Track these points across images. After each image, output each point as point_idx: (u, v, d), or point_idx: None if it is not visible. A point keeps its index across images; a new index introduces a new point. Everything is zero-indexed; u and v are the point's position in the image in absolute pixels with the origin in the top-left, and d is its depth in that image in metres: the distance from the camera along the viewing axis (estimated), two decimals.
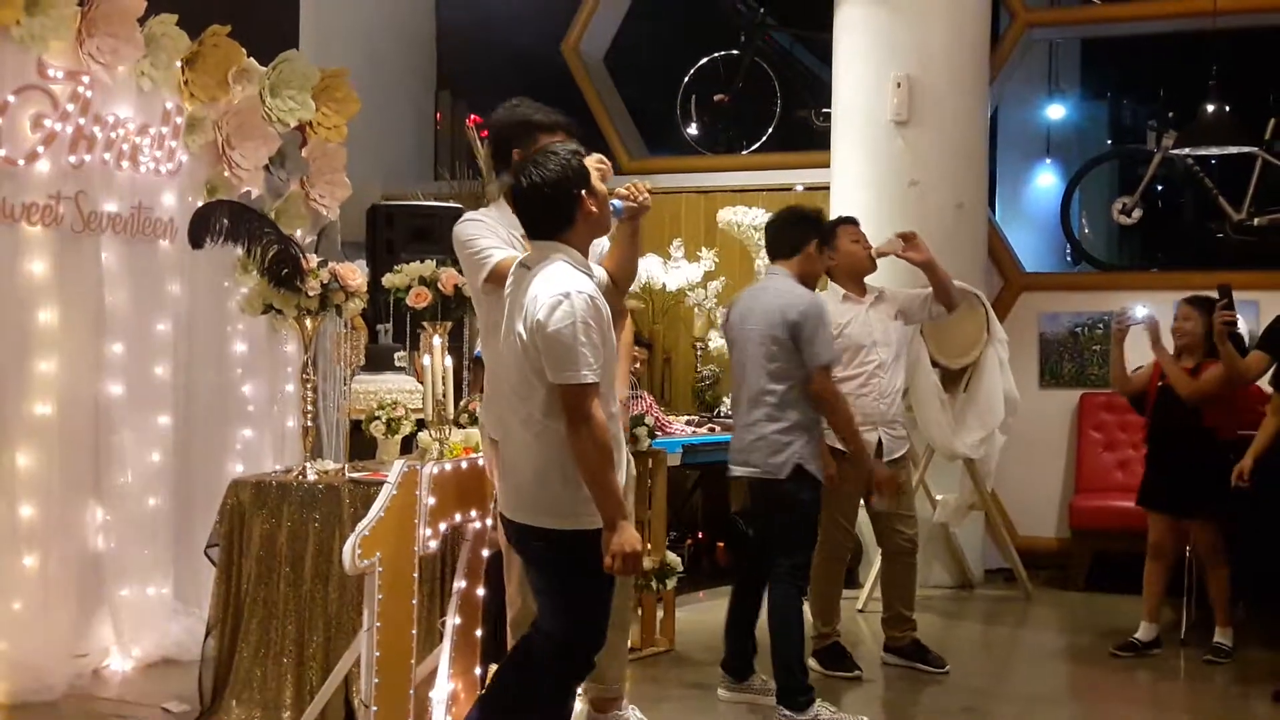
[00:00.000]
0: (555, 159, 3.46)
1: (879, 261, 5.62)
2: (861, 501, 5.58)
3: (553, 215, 3.48)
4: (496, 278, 3.79)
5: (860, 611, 6.71)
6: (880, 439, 5.41)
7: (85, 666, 5.15)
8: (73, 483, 5.18)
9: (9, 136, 4.90)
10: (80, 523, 5.24)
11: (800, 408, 4.84)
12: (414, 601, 3.72)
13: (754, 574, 5.13)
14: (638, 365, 5.91)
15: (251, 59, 5.88)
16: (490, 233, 3.98)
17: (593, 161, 3.56)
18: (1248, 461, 5.57)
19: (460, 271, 4.27)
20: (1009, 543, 7.42)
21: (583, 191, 3.47)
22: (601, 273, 3.66)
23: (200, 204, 5.27)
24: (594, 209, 3.50)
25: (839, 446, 5.19)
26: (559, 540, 3.43)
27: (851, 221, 5.67)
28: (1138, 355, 6.14)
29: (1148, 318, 5.94)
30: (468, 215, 4.13)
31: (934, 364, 6.86)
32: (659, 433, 6.14)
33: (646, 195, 3.69)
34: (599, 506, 3.36)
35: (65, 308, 5.14)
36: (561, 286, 3.35)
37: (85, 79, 5.13)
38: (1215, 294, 5.70)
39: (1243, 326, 6.37)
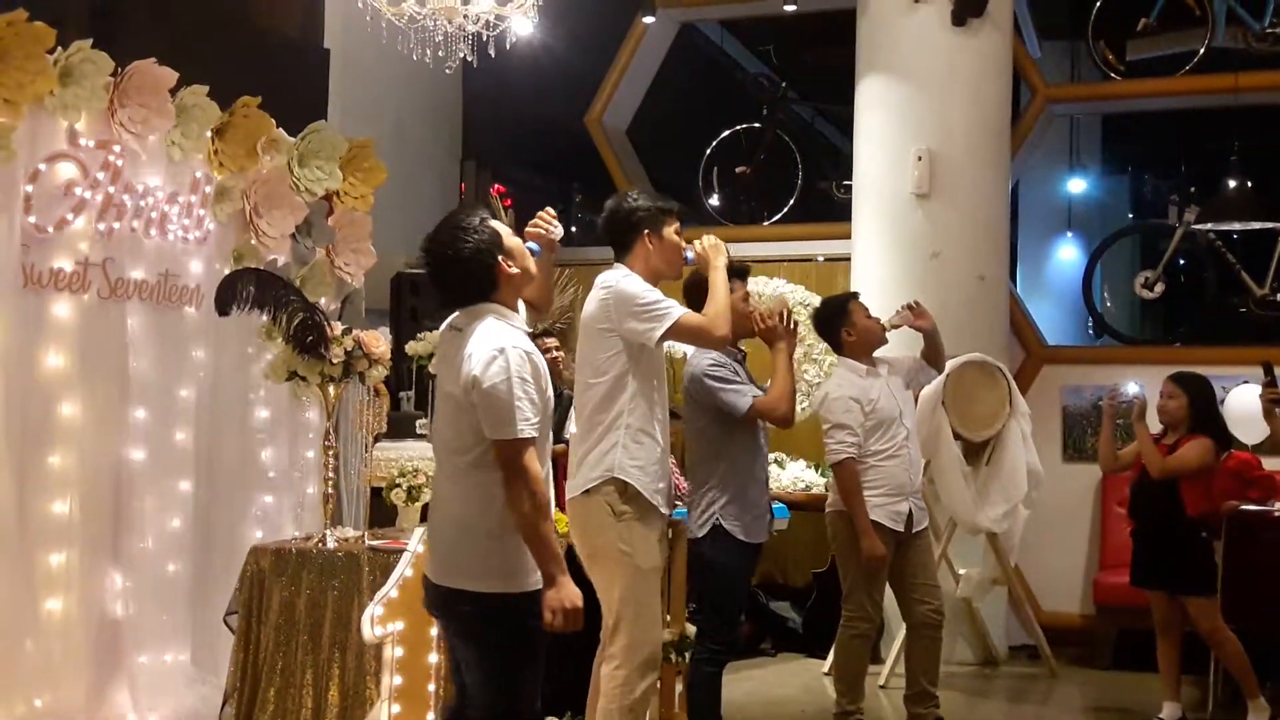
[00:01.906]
0: (466, 232, 3.46)
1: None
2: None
3: (474, 285, 3.50)
4: (677, 331, 4.09)
5: (882, 688, 6.63)
6: (910, 509, 5.39)
7: None
8: (93, 547, 5.17)
9: (40, 203, 4.96)
10: (99, 587, 5.22)
11: (718, 461, 4.81)
12: (432, 672, 3.70)
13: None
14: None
15: (280, 129, 5.96)
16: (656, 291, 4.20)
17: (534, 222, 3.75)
18: None
19: None
20: (1033, 619, 7.33)
21: (499, 257, 3.49)
22: (522, 307, 3.73)
23: (227, 272, 5.32)
24: (513, 270, 3.52)
25: (881, 521, 5.19)
26: (486, 603, 3.36)
27: (856, 297, 5.72)
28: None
29: (1137, 395, 5.96)
30: (623, 271, 4.25)
31: (956, 437, 6.83)
32: (678, 502, 6.12)
33: (555, 227, 3.88)
34: (538, 561, 3.32)
35: (90, 373, 5.17)
36: (496, 342, 3.37)
37: (116, 148, 5.21)
38: (1254, 370, 5.73)
39: None
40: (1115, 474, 6.16)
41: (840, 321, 5.54)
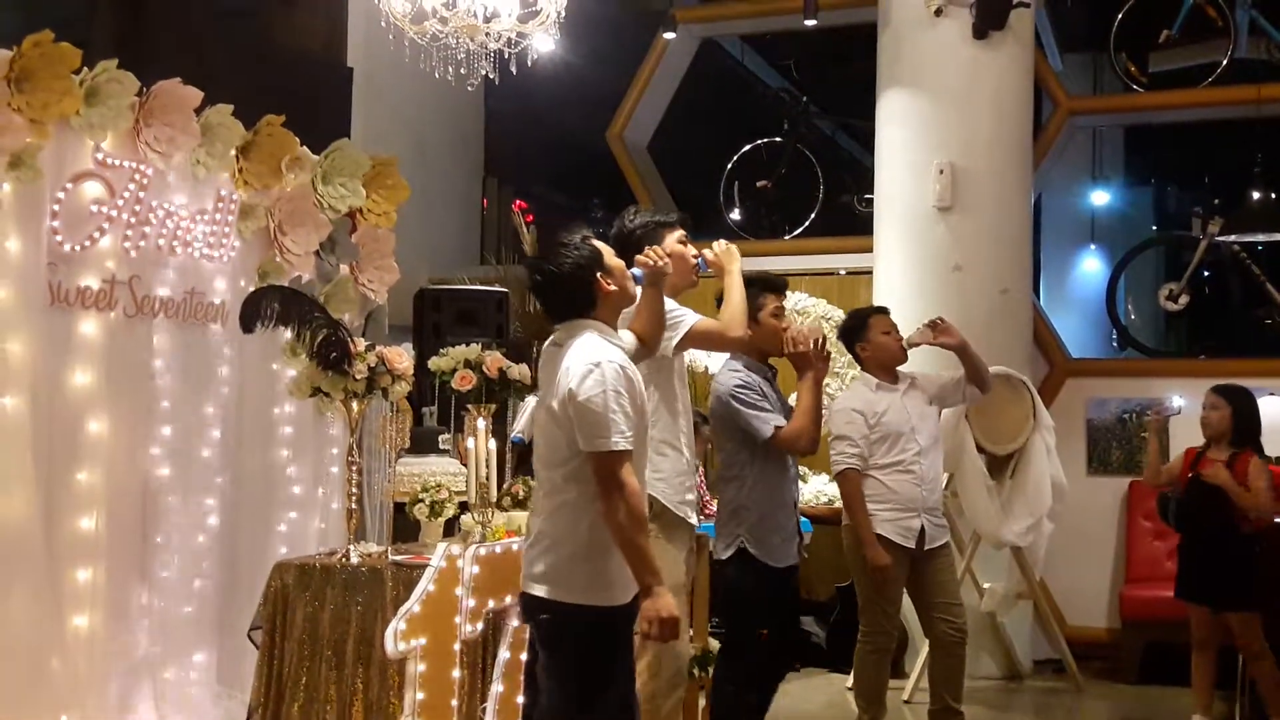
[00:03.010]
0: (567, 249, 3.58)
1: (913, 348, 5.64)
2: (906, 591, 5.52)
3: (573, 301, 3.60)
4: (692, 337, 4.13)
5: (906, 703, 6.60)
6: (924, 525, 5.37)
7: None
8: (119, 563, 5.20)
9: (66, 222, 5.01)
10: (125, 604, 5.25)
11: (744, 483, 4.80)
12: (455, 687, 3.70)
13: (767, 666, 5.08)
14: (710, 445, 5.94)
15: (304, 148, 6.00)
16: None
17: (646, 256, 3.73)
18: None
19: None
20: (1058, 633, 7.29)
21: (598, 274, 3.57)
22: (630, 337, 3.78)
23: (252, 289, 5.35)
24: (611, 287, 3.60)
25: (889, 535, 5.18)
26: (564, 613, 3.41)
27: (883, 312, 5.70)
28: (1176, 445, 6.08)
29: (1184, 408, 5.94)
30: None
31: (980, 450, 6.81)
32: (702, 516, 6.13)
33: (665, 260, 3.87)
34: (634, 572, 3.37)
35: (116, 390, 5.20)
36: (593, 356, 3.44)
37: (142, 167, 5.25)
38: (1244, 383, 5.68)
39: None
40: (1160, 489, 6.09)
41: (857, 337, 5.57)
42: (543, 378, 3.67)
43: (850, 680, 6.91)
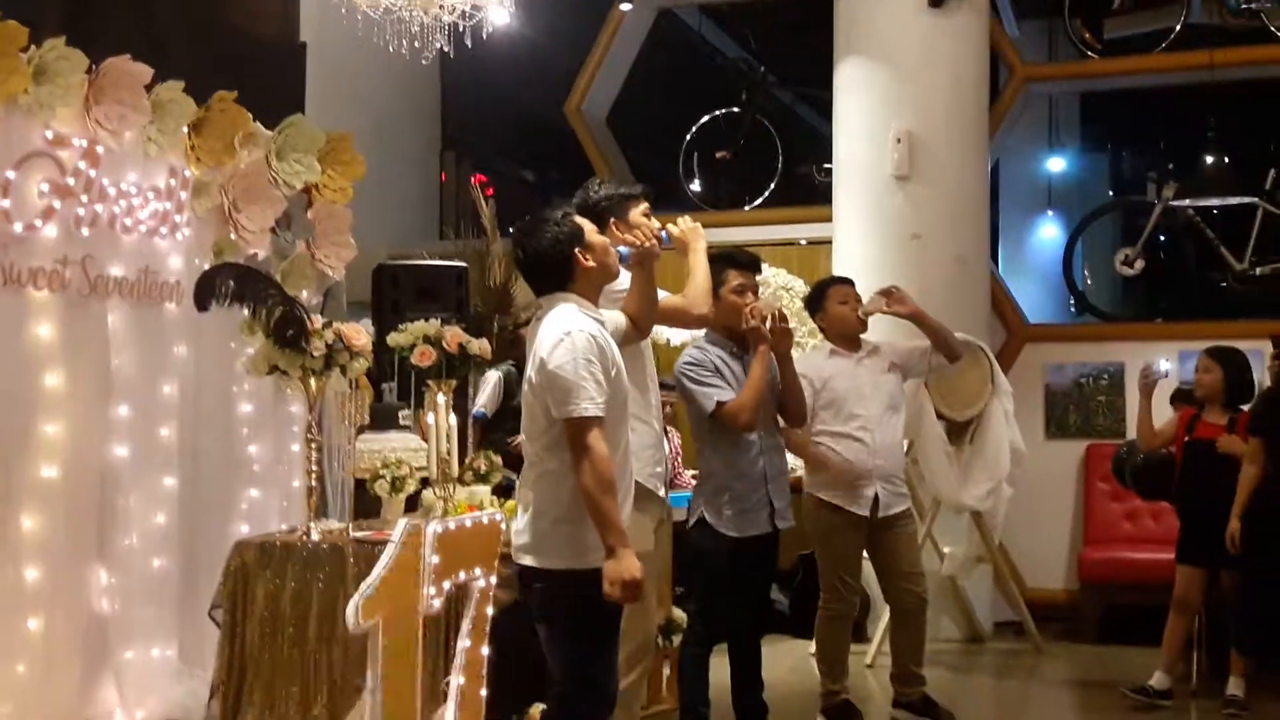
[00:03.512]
0: (547, 225, 3.65)
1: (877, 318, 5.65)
2: (867, 557, 5.57)
3: (553, 276, 3.66)
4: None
5: (869, 667, 6.67)
6: (877, 494, 5.39)
7: None
8: (77, 545, 5.16)
9: (16, 203, 4.94)
10: (85, 585, 5.22)
11: (705, 456, 4.90)
12: (418, 662, 3.70)
13: (739, 631, 5.12)
14: (668, 408, 5.93)
15: (258, 123, 5.95)
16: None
17: (632, 231, 3.81)
18: (1235, 525, 5.54)
19: None
20: (1018, 595, 7.38)
21: (576, 250, 3.62)
22: (621, 318, 3.87)
23: (207, 267, 5.31)
24: (590, 263, 3.65)
25: (841, 504, 5.24)
26: (556, 580, 3.48)
27: (843, 282, 5.71)
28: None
29: (1171, 371, 5.96)
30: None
31: (939, 416, 6.86)
32: (674, 488, 6.15)
33: (653, 242, 3.89)
34: (601, 535, 3.43)
35: (72, 371, 5.16)
36: (564, 326, 3.51)
37: (93, 145, 5.19)
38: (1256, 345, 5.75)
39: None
40: (1155, 450, 6.13)
41: (815, 307, 5.63)
42: (528, 352, 3.72)
43: (814, 646, 7.00)
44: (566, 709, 3.57)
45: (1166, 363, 6.10)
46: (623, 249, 3.83)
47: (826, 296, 5.58)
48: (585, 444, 3.42)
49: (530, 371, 3.58)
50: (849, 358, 5.49)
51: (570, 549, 3.50)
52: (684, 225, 4.46)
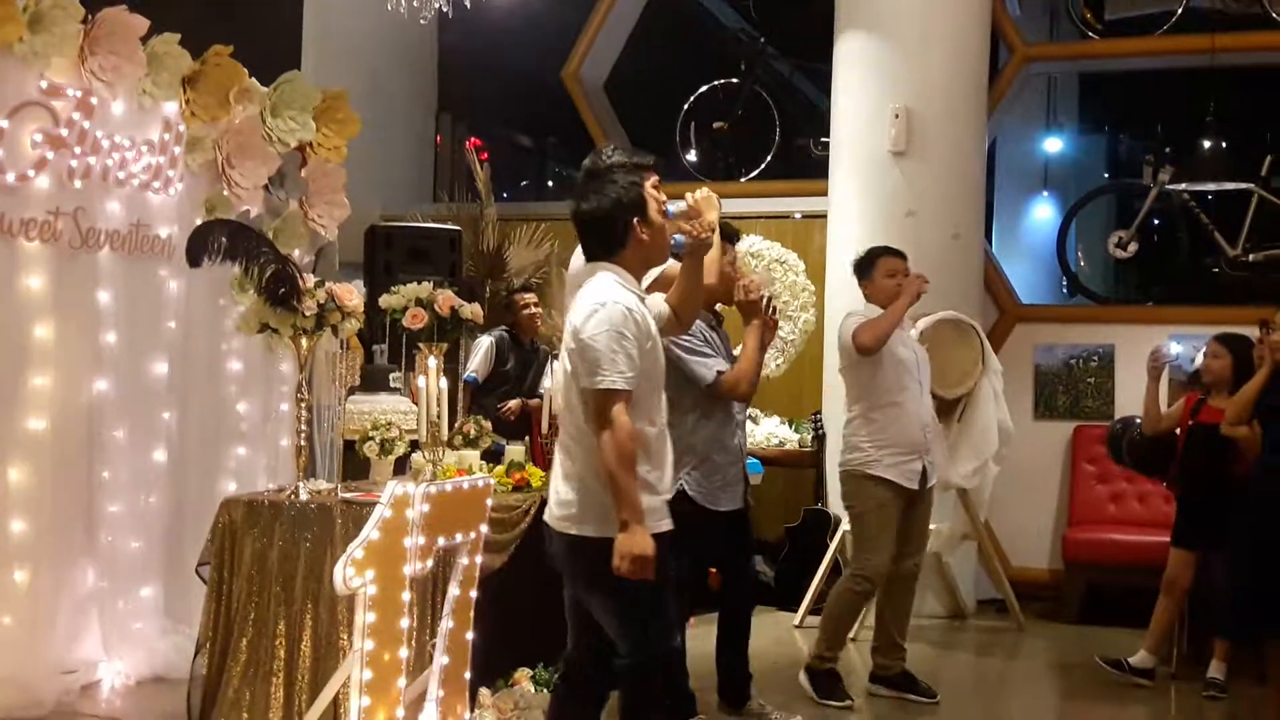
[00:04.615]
0: (613, 187, 3.59)
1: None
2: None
3: (605, 239, 3.62)
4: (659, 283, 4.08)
5: (851, 640, 6.69)
6: (924, 467, 5.43)
7: (74, 683, 5.12)
8: (65, 500, 5.16)
9: (9, 152, 4.91)
10: (71, 540, 5.22)
11: (688, 427, 4.79)
12: (404, 623, 3.71)
13: (733, 599, 5.13)
14: None
15: (253, 79, 5.91)
16: None
17: (687, 219, 3.73)
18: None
19: None
20: (1001, 574, 7.41)
21: (635, 220, 3.58)
22: (664, 306, 3.82)
23: (199, 222, 5.28)
24: (646, 237, 3.61)
25: (894, 479, 5.28)
26: (606, 548, 3.44)
27: (893, 254, 5.61)
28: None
29: (1180, 356, 5.94)
30: None
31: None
32: None
33: (708, 234, 3.83)
34: (616, 508, 3.42)
35: (61, 323, 5.14)
36: (600, 297, 3.48)
37: (87, 96, 5.15)
38: (1246, 331, 5.73)
39: None
40: (1160, 435, 6.12)
41: (863, 274, 5.60)
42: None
43: (798, 618, 7.03)
44: (636, 675, 3.56)
45: (1177, 346, 6.05)
46: (677, 237, 3.77)
47: (876, 266, 5.55)
48: (609, 416, 3.40)
49: (567, 338, 3.55)
50: (902, 328, 5.50)
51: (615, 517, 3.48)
52: (700, 195, 4.37)
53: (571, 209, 3.67)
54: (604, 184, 3.61)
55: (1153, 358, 6.02)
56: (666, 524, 3.59)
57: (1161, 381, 6.02)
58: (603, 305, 3.45)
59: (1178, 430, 6.00)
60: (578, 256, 4.24)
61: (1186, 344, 6.50)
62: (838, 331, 5.54)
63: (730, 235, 5.00)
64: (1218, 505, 5.71)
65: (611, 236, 3.59)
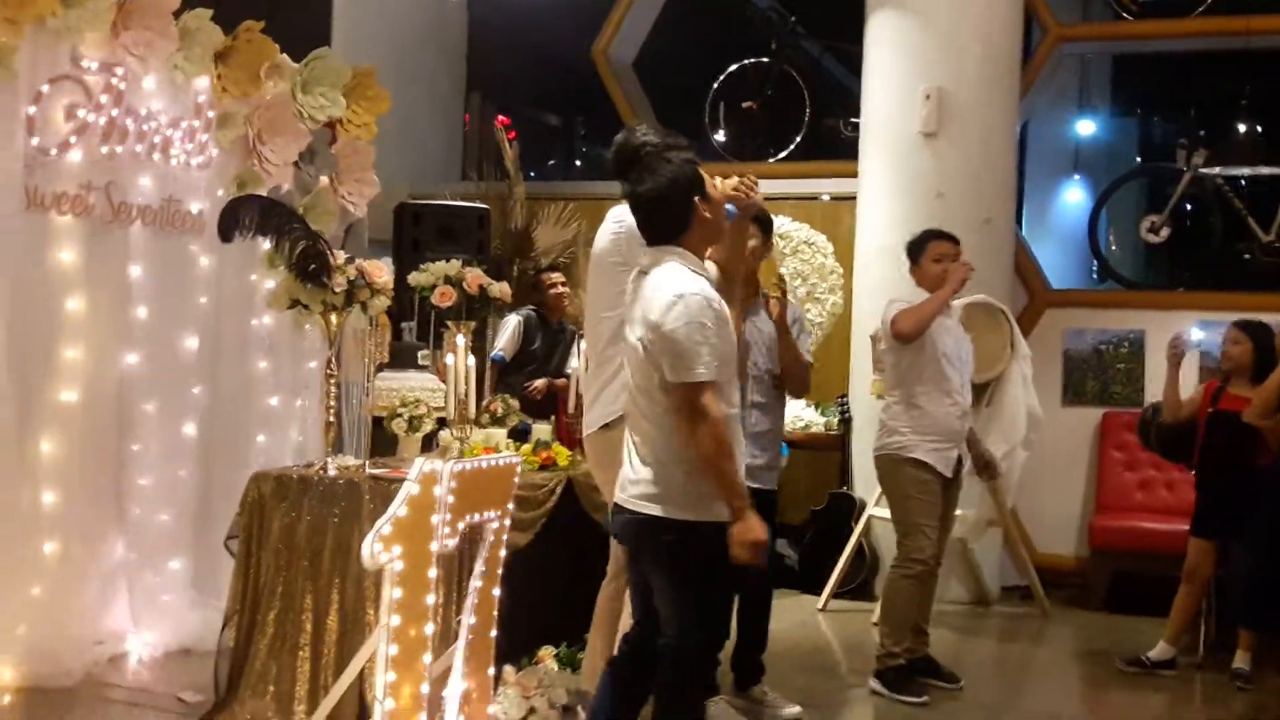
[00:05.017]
0: (670, 167, 3.54)
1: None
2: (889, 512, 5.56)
3: (668, 221, 3.56)
4: None
5: (875, 625, 6.69)
6: (959, 456, 5.42)
7: (102, 654, 5.18)
8: (95, 472, 5.21)
9: (42, 126, 4.94)
10: (101, 512, 5.26)
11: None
12: (431, 599, 3.73)
13: (754, 580, 5.12)
14: None
15: (284, 55, 5.91)
16: None
17: (730, 184, 3.69)
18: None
19: None
20: (1027, 560, 7.39)
21: (696, 198, 3.54)
22: (712, 267, 3.77)
23: (230, 198, 5.30)
24: (708, 215, 3.58)
25: (933, 464, 5.25)
26: (686, 531, 3.47)
27: (944, 237, 5.52)
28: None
29: (1202, 342, 5.89)
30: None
31: None
32: None
33: (759, 195, 3.82)
34: (724, 498, 3.44)
35: (93, 297, 5.17)
36: (676, 288, 3.44)
37: (119, 71, 5.17)
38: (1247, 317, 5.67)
39: None
40: (1180, 421, 6.08)
41: (913, 256, 5.50)
42: (630, 306, 3.64)
43: (822, 601, 7.02)
44: (684, 657, 3.56)
45: (1199, 332, 6.00)
46: (730, 207, 3.74)
47: (924, 251, 5.47)
48: (700, 408, 3.39)
49: (640, 331, 3.51)
50: (947, 315, 5.44)
51: (701, 502, 3.49)
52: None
53: (627, 193, 3.61)
54: (659, 164, 3.55)
55: (1172, 344, 5.97)
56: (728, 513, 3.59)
57: (1190, 368, 5.96)
58: (681, 297, 3.41)
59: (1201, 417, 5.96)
60: (601, 236, 4.23)
61: (1213, 330, 6.42)
62: (882, 316, 5.48)
63: (763, 223, 4.93)
64: (1238, 494, 5.67)
65: (675, 217, 3.55)
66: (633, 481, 3.59)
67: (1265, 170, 8.10)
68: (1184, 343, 5.94)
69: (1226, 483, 5.74)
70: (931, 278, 5.42)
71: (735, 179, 3.88)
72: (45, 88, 4.94)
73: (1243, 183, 8.58)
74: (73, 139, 5.03)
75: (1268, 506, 5.56)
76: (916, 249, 5.52)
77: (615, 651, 3.89)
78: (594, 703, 3.81)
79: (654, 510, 3.52)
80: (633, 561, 3.71)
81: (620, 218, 4.14)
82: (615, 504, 3.67)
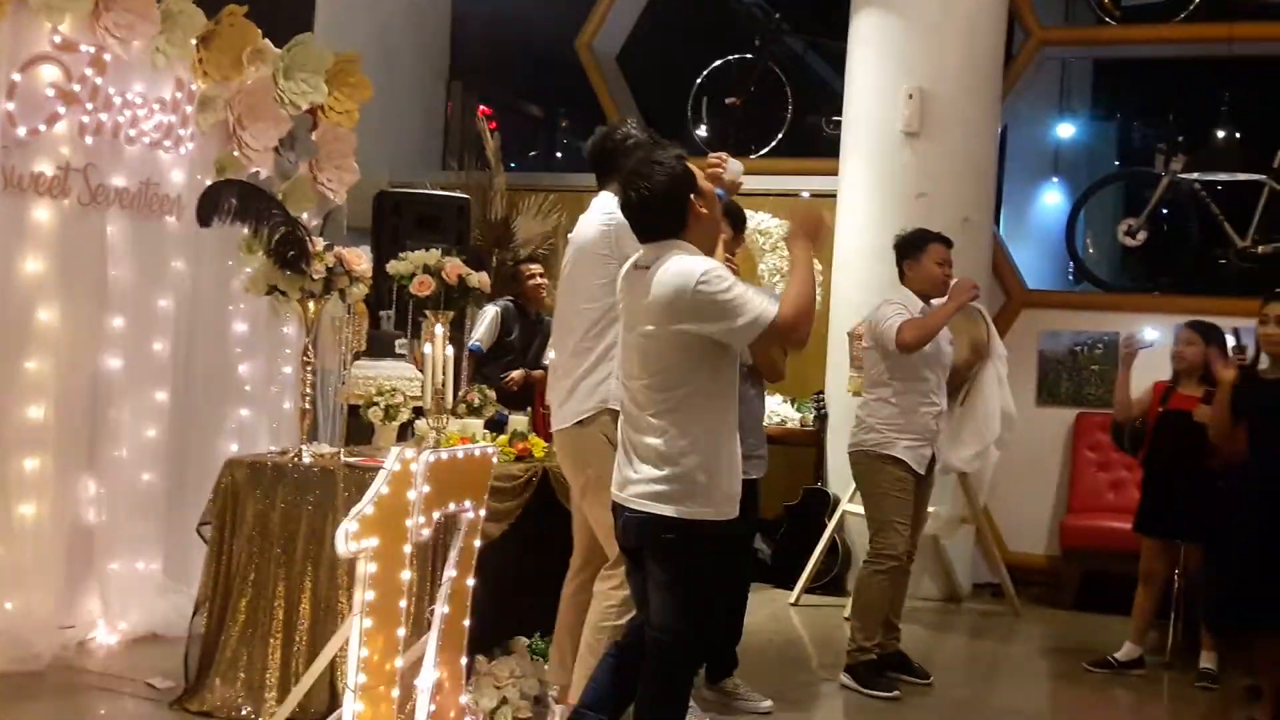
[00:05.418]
0: (662, 168, 3.52)
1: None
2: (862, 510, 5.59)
3: (665, 221, 3.55)
4: None
5: (847, 619, 6.71)
6: (933, 454, 5.45)
7: (71, 638, 5.14)
8: (67, 453, 5.18)
9: (21, 106, 4.91)
10: (72, 494, 5.24)
11: None
12: (404, 588, 3.72)
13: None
14: None
15: (266, 40, 5.89)
16: None
17: (707, 162, 3.64)
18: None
19: None
20: (998, 558, 7.43)
21: (691, 195, 3.53)
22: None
23: (209, 182, 5.27)
24: (704, 209, 3.57)
25: (909, 461, 5.27)
26: (684, 529, 3.47)
27: (944, 242, 5.53)
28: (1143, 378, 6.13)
29: (1156, 342, 5.94)
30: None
31: None
32: None
33: (735, 168, 3.91)
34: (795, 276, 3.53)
35: (69, 278, 5.14)
36: (701, 265, 3.44)
37: (99, 52, 5.13)
38: (1218, 322, 5.71)
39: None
40: (1127, 422, 6.13)
41: (909, 254, 5.49)
42: (626, 303, 3.62)
43: (794, 595, 7.05)
44: (672, 652, 3.57)
45: (1153, 332, 6.07)
46: (720, 192, 3.73)
47: (926, 250, 5.46)
48: (776, 329, 3.40)
49: (643, 324, 3.49)
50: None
51: (709, 500, 3.50)
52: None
53: (623, 201, 3.60)
54: (652, 167, 3.53)
55: (1125, 344, 6.02)
56: (732, 510, 3.59)
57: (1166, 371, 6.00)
58: (708, 270, 3.40)
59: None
60: (588, 225, 4.22)
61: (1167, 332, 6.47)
62: (873, 315, 5.45)
63: (737, 216, 4.92)
64: (1184, 492, 5.70)
65: (674, 217, 3.53)
66: (633, 480, 3.57)
67: (1242, 176, 8.14)
68: (1137, 342, 5.99)
69: (1176, 482, 5.78)
70: (932, 280, 5.44)
71: (707, 164, 3.90)
72: (24, 69, 4.90)
73: (1220, 188, 8.63)
74: (52, 120, 5.00)
75: (1225, 509, 5.59)
76: (914, 247, 5.50)
77: (621, 637, 3.86)
78: (591, 683, 3.79)
79: (656, 509, 3.50)
80: (633, 560, 3.69)
81: (610, 209, 4.10)
82: (614, 503, 3.66)
